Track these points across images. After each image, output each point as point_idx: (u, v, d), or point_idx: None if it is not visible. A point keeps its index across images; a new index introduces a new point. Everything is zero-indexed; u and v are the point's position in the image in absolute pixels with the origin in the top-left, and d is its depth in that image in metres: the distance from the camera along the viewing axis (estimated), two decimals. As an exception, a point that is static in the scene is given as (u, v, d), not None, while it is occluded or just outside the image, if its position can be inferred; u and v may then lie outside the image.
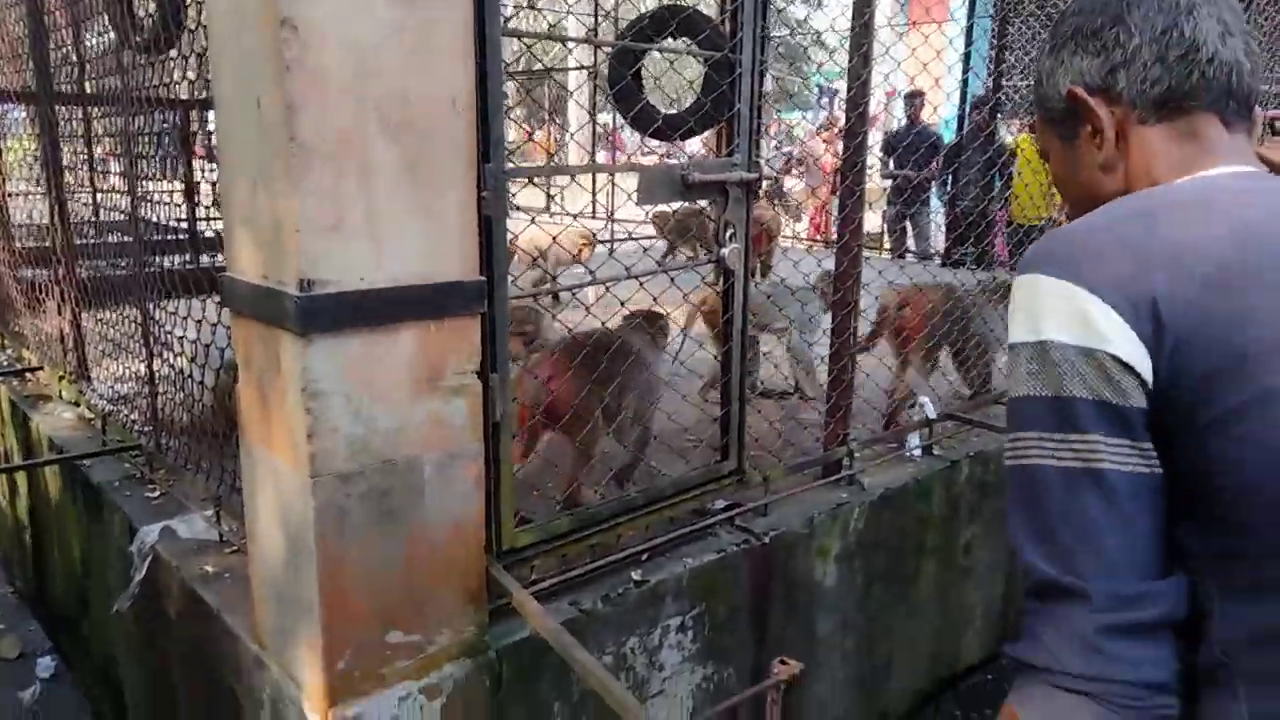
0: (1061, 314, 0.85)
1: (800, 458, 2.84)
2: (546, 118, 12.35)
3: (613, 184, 9.12)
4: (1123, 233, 0.88)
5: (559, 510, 2.22)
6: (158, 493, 2.81)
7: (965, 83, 7.30)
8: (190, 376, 2.61)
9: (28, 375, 4.10)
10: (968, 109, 7.27)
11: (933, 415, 3.15)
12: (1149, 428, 0.85)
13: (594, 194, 9.12)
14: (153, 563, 2.49)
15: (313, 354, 1.59)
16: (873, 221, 9.61)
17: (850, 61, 2.60)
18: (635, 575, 2.23)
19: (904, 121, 8.79)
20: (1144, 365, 0.83)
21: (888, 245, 8.81)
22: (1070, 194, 1.08)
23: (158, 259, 2.73)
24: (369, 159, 1.58)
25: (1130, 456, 0.84)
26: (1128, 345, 0.83)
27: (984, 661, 3.46)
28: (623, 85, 4.59)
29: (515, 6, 6.99)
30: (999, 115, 7.41)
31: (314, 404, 1.61)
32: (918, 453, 3.12)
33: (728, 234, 2.30)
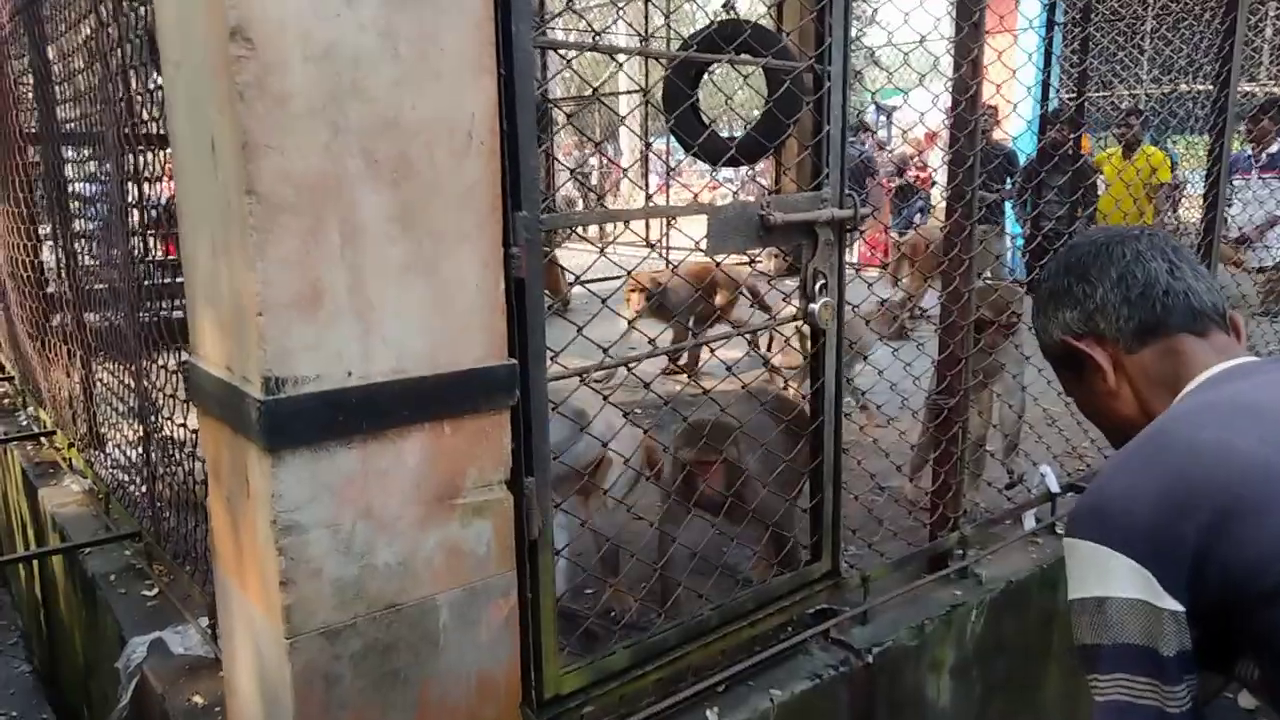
0: (1100, 574, 0.96)
1: (905, 549, 2.35)
2: (594, 148, 11.87)
3: (667, 226, 7.58)
4: (1145, 483, 0.96)
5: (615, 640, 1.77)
6: (155, 591, 2.45)
7: (1045, 95, 6.78)
8: (187, 447, 2.24)
9: (42, 440, 3.81)
10: (1042, 123, 6.71)
11: (1055, 489, 2.65)
12: (1192, 661, 0.93)
13: (648, 240, 7.77)
14: (140, 683, 2.12)
15: (284, 475, 1.18)
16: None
17: (957, 71, 2.16)
18: (711, 715, 1.78)
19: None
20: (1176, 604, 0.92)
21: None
22: (1098, 421, 1.22)
23: (159, 303, 2.34)
24: (352, 213, 1.18)
25: (1165, 696, 0.94)
26: (1154, 593, 0.92)
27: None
28: (681, 106, 4.17)
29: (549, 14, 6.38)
30: (1080, 129, 6.84)
31: (288, 540, 1.20)
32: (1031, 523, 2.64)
33: (817, 285, 1.87)
